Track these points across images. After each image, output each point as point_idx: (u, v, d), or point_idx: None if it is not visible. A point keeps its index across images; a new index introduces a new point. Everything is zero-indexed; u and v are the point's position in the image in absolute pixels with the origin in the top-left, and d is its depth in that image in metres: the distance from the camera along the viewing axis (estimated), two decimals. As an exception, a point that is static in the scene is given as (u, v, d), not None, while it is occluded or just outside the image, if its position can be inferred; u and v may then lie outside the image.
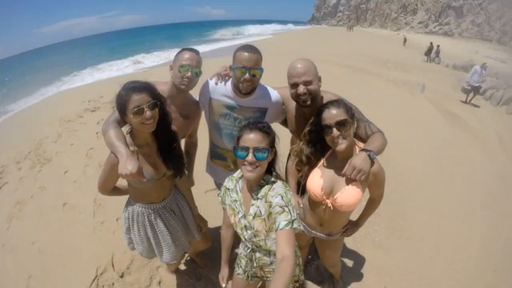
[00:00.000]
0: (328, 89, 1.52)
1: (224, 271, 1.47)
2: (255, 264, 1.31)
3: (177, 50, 1.58)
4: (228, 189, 1.30)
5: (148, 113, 1.17)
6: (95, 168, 3.68)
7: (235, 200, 1.24)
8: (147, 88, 1.20)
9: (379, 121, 1.61)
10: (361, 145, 1.34)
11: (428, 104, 7.01)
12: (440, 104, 7.22)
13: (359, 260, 2.37)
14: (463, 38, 29.95)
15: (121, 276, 2.16)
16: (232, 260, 1.49)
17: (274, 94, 1.58)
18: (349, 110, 1.24)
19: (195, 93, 1.63)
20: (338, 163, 1.30)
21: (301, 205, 1.57)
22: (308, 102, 1.36)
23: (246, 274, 1.38)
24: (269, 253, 1.25)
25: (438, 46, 15.26)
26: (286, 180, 1.40)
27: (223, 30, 44.96)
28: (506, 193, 3.56)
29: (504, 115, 7.23)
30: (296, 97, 1.39)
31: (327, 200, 1.32)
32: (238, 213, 1.22)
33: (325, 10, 61.59)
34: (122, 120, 1.26)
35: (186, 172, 1.55)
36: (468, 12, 32.42)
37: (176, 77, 1.45)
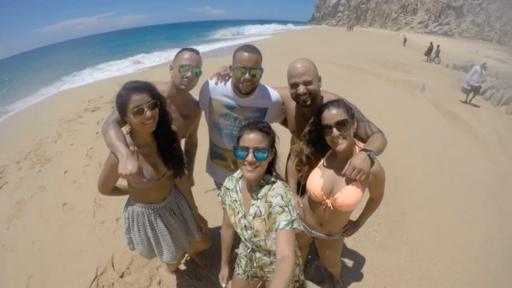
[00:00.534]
0: (328, 89, 1.52)
1: (224, 271, 1.47)
2: (255, 264, 1.31)
3: (177, 50, 1.58)
4: (228, 189, 1.30)
5: (148, 113, 1.17)
6: (95, 168, 3.68)
7: (235, 200, 1.24)
8: (147, 88, 1.20)
9: (379, 121, 1.61)
10: (361, 145, 1.34)
11: (428, 104, 7.02)
12: (440, 104, 7.22)
13: (359, 260, 2.37)
14: (463, 38, 29.99)
15: (121, 276, 2.16)
16: (232, 260, 1.49)
17: (274, 94, 1.58)
18: (349, 110, 1.24)
19: (195, 93, 1.63)
20: (338, 163, 1.30)
21: (301, 205, 1.57)
22: (308, 102, 1.36)
23: (246, 274, 1.38)
24: (269, 253, 1.25)
25: (438, 46, 15.28)
26: (286, 180, 1.40)
27: (223, 30, 44.88)
28: (506, 193, 3.56)
29: (504, 115, 7.24)
30: (296, 97, 1.39)
31: (327, 200, 1.32)
32: (238, 213, 1.22)
33: (325, 10, 61.66)
34: (122, 120, 1.26)
35: (186, 172, 1.55)
36: (468, 12, 32.46)
37: (176, 77, 1.45)
